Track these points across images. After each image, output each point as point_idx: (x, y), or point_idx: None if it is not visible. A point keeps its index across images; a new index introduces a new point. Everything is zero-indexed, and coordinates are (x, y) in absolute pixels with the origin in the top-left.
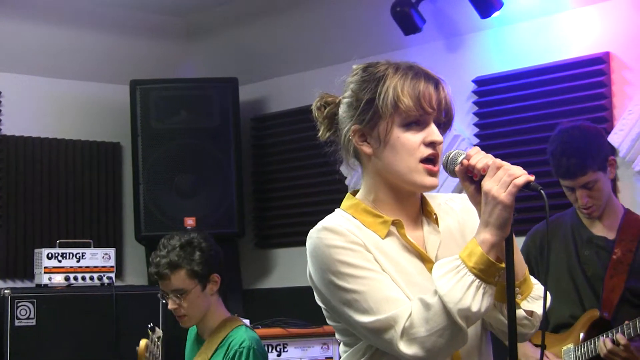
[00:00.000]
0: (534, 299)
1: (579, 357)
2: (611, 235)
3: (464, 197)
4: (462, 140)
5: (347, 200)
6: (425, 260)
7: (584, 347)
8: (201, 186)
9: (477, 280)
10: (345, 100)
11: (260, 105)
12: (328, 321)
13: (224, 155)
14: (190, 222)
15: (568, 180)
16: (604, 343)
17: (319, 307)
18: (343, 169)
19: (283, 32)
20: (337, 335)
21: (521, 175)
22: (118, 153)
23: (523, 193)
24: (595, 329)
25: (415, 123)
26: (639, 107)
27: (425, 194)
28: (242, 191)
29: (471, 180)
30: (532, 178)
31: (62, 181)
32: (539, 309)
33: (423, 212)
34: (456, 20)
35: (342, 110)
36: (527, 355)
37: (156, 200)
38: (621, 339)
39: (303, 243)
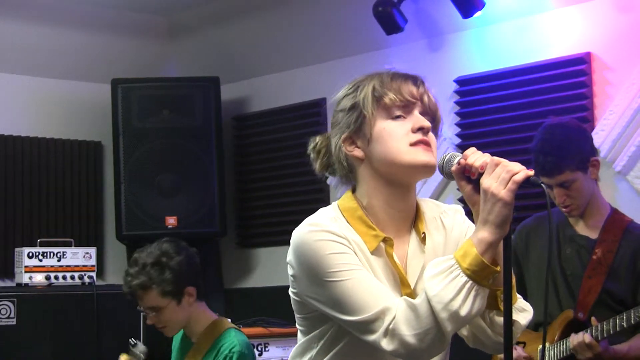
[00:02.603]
0: (517, 310)
1: (552, 357)
2: (593, 235)
3: (457, 210)
4: (444, 140)
5: (346, 201)
6: (405, 285)
7: (557, 347)
8: (183, 185)
9: (470, 282)
10: (333, 119)
11: (242, 105)
12: (297, 312)
13: (205, 155)
14: (171, 221)
15: (545, 177)
16: (575, 338)
17: None
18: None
19: (265, 32)
20: (298, 323)
21: (520, 171)
22: (99, 152)
23: (523, 190)
24: (570, 330)
25: (399, 116)
26: (619, 107)
27: (425, 201)
28: (223, 190)
29: (468, 179)
30: (532, 173)
31: (43, 180)
32: (523, 320)
33: (414, 226)
34: (438, 20)
35: (332, 130)
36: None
37: (137, 199)
38: (587, 338)
39: (285, 242)
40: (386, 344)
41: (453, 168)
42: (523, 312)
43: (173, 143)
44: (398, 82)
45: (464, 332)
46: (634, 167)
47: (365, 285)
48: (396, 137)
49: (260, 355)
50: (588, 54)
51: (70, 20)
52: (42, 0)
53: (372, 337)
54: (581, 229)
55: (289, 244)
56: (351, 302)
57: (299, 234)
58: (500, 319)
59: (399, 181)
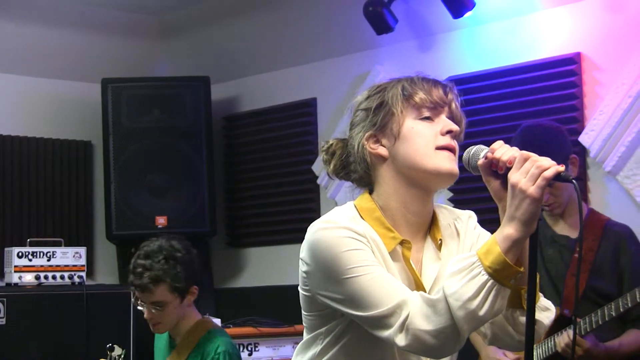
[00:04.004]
0: (540, 309)
1: (540, 354)
2: (574, 234)
3: (470, 216)
4: None
5: (364, 201)
6: (420, 289)
7: (544, 344)
8: (173, 185)
9: (492, 280)
10: (355, 119)
11: (232, 104)
12: (305, 310)
13: (195, 154)
14: (161, 221)
15: None
16: (561, 338)
17: (290, 306)
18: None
19: (255, 32)
20: (305, 320)
21: (550, 167)
22: (89, 152)
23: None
24: (557, 327)
25: (427, 118)
26: (609, 107)
27: (439, 208)
28: (213, 190)
29: (496, 175)
30: (562, 168)
31: (33, 179)
32: (545, 320)
33: (430, 232)
34: (428, 20)
35: (352, 130)
36: (488, 356)
37: (127, 199)
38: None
39: (275, 242)
40: (400, 340)
41: (480, 162)
42: (546, 312)
43: (163, 143)
44: (428, 84)
45: (482, 329)
46: (624, 167)
47: (382, 281)
48: (424, 137)
49: (250, 355)
50: (578, 54)
51: (59, 19)
52: (31, 0)
53: (386, 333)
54: (560, 229)
55: (278, 243)
56: (367, 298)
57: (315, 230)
58: (523, 318)
59: (420, 184)
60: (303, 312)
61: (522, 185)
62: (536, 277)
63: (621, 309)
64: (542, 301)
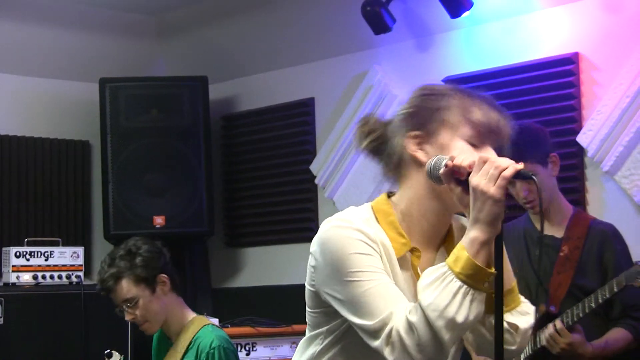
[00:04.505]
0: (520, 314)
1: (526, 350)
2: (559, 234)
3: None
4: None
5: (381, 204)
6: None
7: (530, 340)
8: (171, 185)
9: (465, 286)
10: (403, 111)
11: (230, 104)
12: (310, 306)
13: (193, 154)
14: (159, 220)
15: None
16: (546, 331)
17: (288, 306)
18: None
19: (253, 31)
20: (308, 317)
21: (509, 166)
22: (87, 151)
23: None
24: (543, 323)
25: (475, 145)
26: (607, 107)
27: (457, 220)
28: (211, 190)
29: (458, 181)
30: (521, 166)
31: (31, 179)
32: (523, 324)
33: (444, 243)
34: (426, 20)
35: (396, 120)
36: None
37: (125, 198)
38: (558, 323)
39: (273, 242)
40: (388, 353)
41: (441, 171)
42: (525, 316)
43: (161, 142)
44: (490, 107)
45: (469, 339)
46: (622, 167)
47: (381, 292)
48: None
49: (247, 355)
50: (576, 54)
51: (57, 19)
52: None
53: (375, 344)
54: (546, 229)
55: (276, 243)
56: (364, 306)
57: (328, 227)
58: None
59: (445, 203)
60: (307, 308)
61: (483, 187)
62: (502, 278)
63: (600, 300)
64: (523, 306)
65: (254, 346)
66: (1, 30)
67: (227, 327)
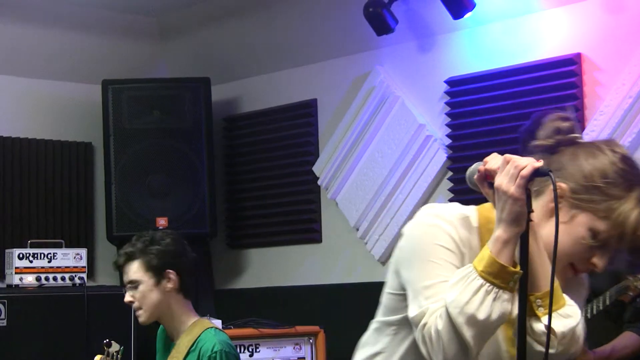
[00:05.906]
0: (561, 317)
1: None
2: None
3: None
4: (435, 141)
5: (488, 210)
6: None
7: None
8: (173, 186)
9: (487, 284)
10: (584, 162)
11: (233, 106)
12: (390, 288)
13: (196, 155)
14: (162, 222)
15: None
16: None
17: (291, 307)
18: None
19: (255, 33)
20: (386, 298)
21: (527, 165)
22: (90, 153)
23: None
24: None
25: (596, 246)
26: (610, 108)
27: None
28: (214, 191)
29: (490, 185)
30: (540, 164)
31: (34, 181)
32: (561, 327)
33: None
34: (428, 21)
35: (570, 161)
36: None
37: (128, 200)
38: None
39: (275, 243)
40: (422, 348)
41: (475, 177)
42: (567, 319)
43: (163, 144)
44: None
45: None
46: None
47: (443, 290)
48: (576, 246)
49: (251, 356)
50: (578, 55)
51: (60, 21)
52: (31, 1)
53: (415, 336)
54: None
55: (279, 244)
56: (418, 296)
57: (426, 213)
58: (538, 325)
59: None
60: (386, 290)
61: (504, 187)
62: (527, 279)
63: (594, 312)
64: (566, 309)
65: (257, 347)
66: (4, 33)
67: (230, 328)
